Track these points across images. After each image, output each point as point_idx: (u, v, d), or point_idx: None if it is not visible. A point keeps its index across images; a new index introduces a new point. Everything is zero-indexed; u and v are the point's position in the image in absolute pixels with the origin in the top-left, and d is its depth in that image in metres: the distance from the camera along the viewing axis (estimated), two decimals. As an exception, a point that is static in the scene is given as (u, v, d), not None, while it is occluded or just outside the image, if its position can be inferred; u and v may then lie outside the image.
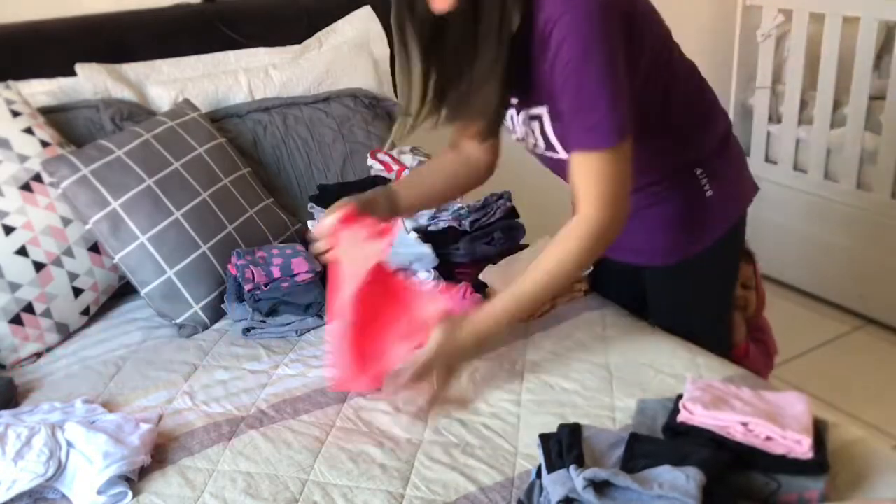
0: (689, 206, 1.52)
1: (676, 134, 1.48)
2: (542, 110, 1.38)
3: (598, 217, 1.32)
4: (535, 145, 1.47)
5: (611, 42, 1.25)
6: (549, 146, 1.43)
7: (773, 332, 1.89)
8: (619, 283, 1.75)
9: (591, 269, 1.74)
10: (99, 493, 1.20)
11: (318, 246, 1.47)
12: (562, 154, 1.42)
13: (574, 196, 1.34)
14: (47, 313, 1.70)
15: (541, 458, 1.13)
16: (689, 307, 1.63)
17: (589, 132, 1.29)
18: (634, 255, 1.61)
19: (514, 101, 1.42)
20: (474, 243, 1.90)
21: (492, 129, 1.43)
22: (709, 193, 1.51)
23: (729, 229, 1.56)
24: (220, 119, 2.14)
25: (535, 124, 1.42)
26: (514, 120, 1.46)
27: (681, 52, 1.46)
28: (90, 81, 2.05)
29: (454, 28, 1.30)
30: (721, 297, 1.65)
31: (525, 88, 1.37)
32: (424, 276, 1.77)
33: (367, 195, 1.51)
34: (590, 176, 1.31)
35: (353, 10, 2.47)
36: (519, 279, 1.38)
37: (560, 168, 1.44)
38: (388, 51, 2.49)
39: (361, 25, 2.46)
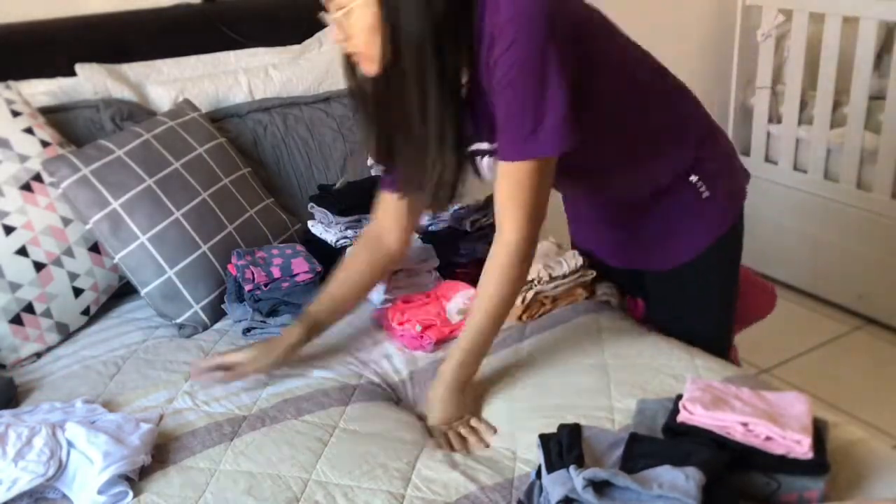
0: (688, 210, 1.51)
1: (660, 138, 1.47)
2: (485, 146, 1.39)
3: (519, 240, 1.34)
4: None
5: (551, 61, 1.22)
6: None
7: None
8: (619, 285, 1.76)
9: (594, 274, 1.75)
10: (99, 492, 1.20)
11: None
12: None
13: (497, 220, 1.36)
14: (47, 313, 1.70)
15: (541, 459, 1.13)
16: (693, 308, 1.62)
17: (514, 143, 1.29)
18: (637, 261, 1.61)
19: (486, 146, 1.41)
20: (475, 244, 1.90)
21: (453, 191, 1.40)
22: (706, 195, 1.51)
23: (729, 227, 1.56)
24: (220, 119, 2.14)
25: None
26: (482, 162, 1.44)
27: (644, 55, 1.45)
28: (90, 81, 2.05)
29: (393, 88, 1.30)
30: (724, 296, 1.65)
31: (486, 122, 1.36)
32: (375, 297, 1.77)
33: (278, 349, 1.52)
34: (512, 189, 1.32)
35: (354, 10, 2.46)
36: (469, 318, 1.43)
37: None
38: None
39: (361, 25, 2.46)
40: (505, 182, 1.33)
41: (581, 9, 1.32)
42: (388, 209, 1.55)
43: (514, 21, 1.21)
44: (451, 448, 1.34)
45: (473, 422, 1.40)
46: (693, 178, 1.50)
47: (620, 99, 1.38)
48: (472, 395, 1.46)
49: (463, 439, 1.36)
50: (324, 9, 1.31)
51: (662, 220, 1.54)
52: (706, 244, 1.54)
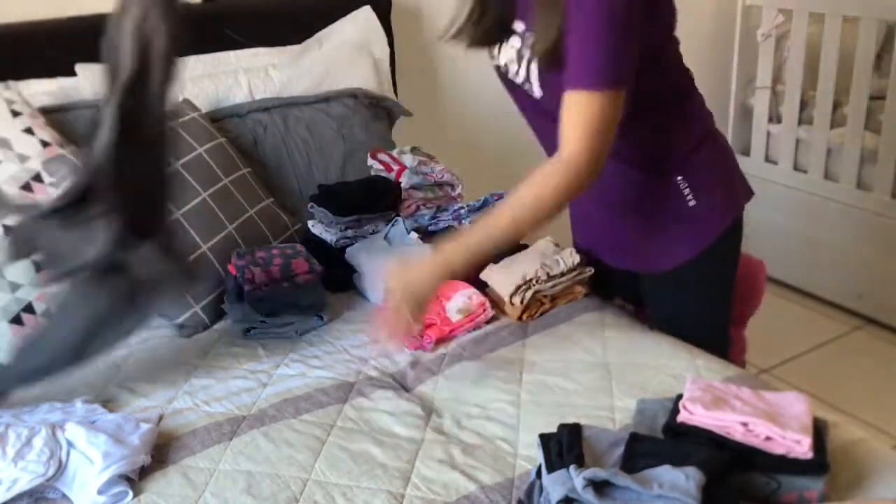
0: (673, 215, 1.52)
1: (657, 122, 1.48)
2: (521, 26, 1.40)
3: (580, 156, 1.31)
4: (517, 73, 1.46)
5: (633, 13, 1.27)
6: (527, 78, 1.43)
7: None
8: (619, 286, 1.76)
9: (592, 271, 1.75)
10: (99, 492, 1.20)
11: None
12: (535, 92, 1.42)
13: (560, 136, 1.33)
14: (48, 313, 1.70)
15: (541, 458, 1.13)
16: (686, 313, 1.62)
17: (587, 71, 1.29)
18: (626, 258, 1.62)
19: (521, 27, 1.42)
20: (474, 243, 1.89)
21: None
22: (691, 203, 1.50)
23: (718, 237, 1.55)
24: (220, 119, 2.14)
25: (517, 43, 1.43)
26: (503, 46, 1.47)
27: (677, 51, 1.47)
28: (90, 81, 2.05)
29: None
30: (717, 304, 1.65)
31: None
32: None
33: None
34: (579, 115, 1.31)
35: (353, 10, 2.47)
36: (495, 212, 1.38)
37: (536, 113, 1.47)
38: (388, 51, 2.49)
39: (361, 25, 2.46)
40: (567, 109, 1.32)
41: None
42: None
43: None
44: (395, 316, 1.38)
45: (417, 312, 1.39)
46: (678, 178, 1.50)
47: (655, 88, 1.41)
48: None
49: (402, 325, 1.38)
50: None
51: (651, 222, 1.54)
52: (693, 252, 1.54)
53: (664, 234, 1.55)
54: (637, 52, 1.31)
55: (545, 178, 1.33)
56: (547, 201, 1.34)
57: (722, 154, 1.58)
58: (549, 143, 1.43)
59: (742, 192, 1.61)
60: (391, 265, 1.43)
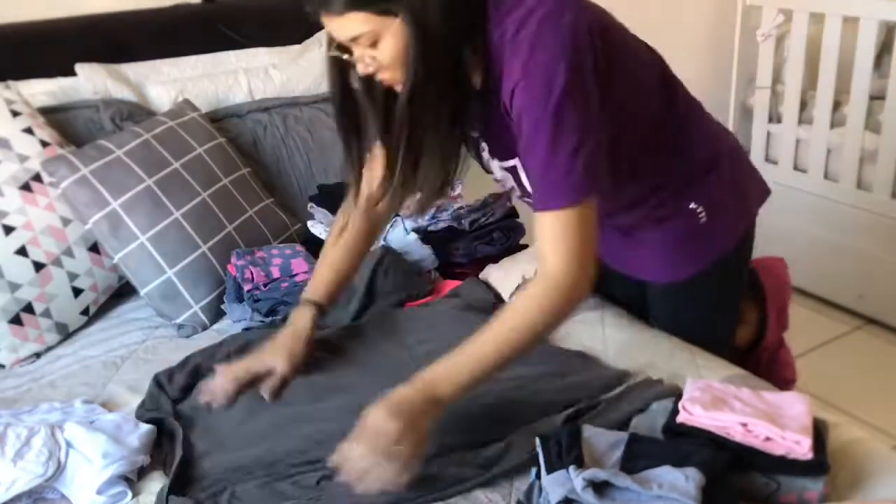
0: (685, 233, 1.49)
1: (659, 163, 1.43)
2: (515, 162, 1.34)
3: (567, 271, 1.20)
4: (513, 189, 1.44)
5: (577, 91, 1.16)
6: (526, 194, 1.37)
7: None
8: (619, 288, 1.75)
9: None
10: (98, 493, 1.20)
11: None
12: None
13: (539, 257, 1.23)
14: (47, 313, 1.70)
15: (540, 459, 1.13)
16: (694, 322, 1.61)
17: (554, 193, 1.20)
18: (636, 271, 1.60)
19: (484, 147, 1.38)
20: (474, 243, 1.90)
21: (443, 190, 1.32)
22: (703, 221, 1.47)
23: (729, 250, 1.53)
24: (220, 119, 2.14)
25: (510, 175, 1.39)
26: (492, 163, 1.41)
27: (667, 87, 1.40)
28: (90, 81, 2.05)
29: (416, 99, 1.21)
30: (726, 312, 1.64)
31: (499, 141, 1.32)
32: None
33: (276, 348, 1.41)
34: (555, 233, 1.20)
35: (353, 10, 2.46)
36: (481, 336, 1.21)
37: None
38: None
39: (361, 25, 2.46)
40: (541, 230, 1.23)
41: (602, 20, 1.26)
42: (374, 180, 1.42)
43: (535, 69, 1.15)
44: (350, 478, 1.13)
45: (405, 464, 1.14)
46: (690, 205, 1.46)
47: (638, 120, 1.34)
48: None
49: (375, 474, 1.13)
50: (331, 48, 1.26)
51: (657, 234, 1.52)
52: (704, 265, 1.52)
53: (675, 249, 1.52)
54: (604, 143, 1.20)
55: (536, 300, 1.21)
56: (538, 325, 1.21)
57: (735, 166, 1.52)
58: None
59: (755, 197, 1.58)
60: (360, 425, 1.15)
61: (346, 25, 1.17)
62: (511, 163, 1.35)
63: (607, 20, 1.28)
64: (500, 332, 1.21)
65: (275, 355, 1.41)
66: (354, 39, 1.19)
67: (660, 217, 1.49)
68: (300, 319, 1.45)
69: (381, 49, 1.19)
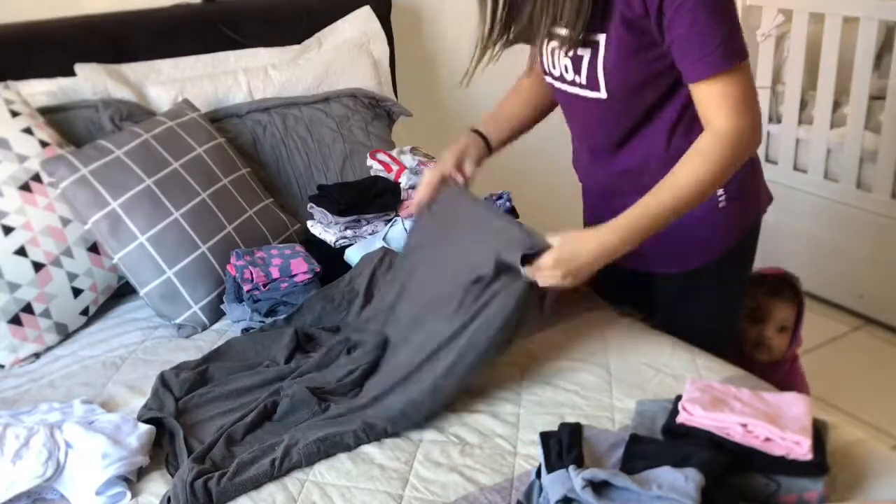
0: (702, 215, 1.50)
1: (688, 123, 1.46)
2: (601, 38, 1.37)
3: (736, 124, 1.31)
4: (573, 82, 1.45)
5: None
6: (592, 81, 1.41)
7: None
8: (620, 288, 1.75)
9: None
10: (97, 493, 1.20)
11: (421, 194, 1.58)
12: (600, 93, 1.41)
13: (704, 121, 1.34)
14: (46, 313, 1.70)
15: (541, 457, 1.13)
16: (701, 313, 1.61)
17: (714, 56, 1.29)
18: (647, 260, 1.60)
19: (563, 32, 1.39)
20: (474, 243, 1.89)
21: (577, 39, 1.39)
22: (722, 205, 1.50)
23: (742, 237, 1.55)
24: (219, 119, 2.14)
25: (586, 53, 1.40)
26: (555, 54, 1.45)
27: None
28: (90, 81, 2.05)
29: None
30: (732, 303, 1.64)
31: (580, 13, 1.36)
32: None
33: (458, 147, 1.59)
34: (722, 98, 1.31)
35: (353, 10, 2.47)
36: (653, 191, 1.34)
37: (586, 112, 1.47)
38: (387, 51, 2.49)
39: (361, 25, 2.46)
40: (703, 99, 1.33)
41: None
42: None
43: None
44: (540, 290, 1.37)
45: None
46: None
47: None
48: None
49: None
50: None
51: (679, 222, 1.53)
52: (716, 253, 1.54)
53: (691, 234, 1.53)
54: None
55: (705, 155, 1.32)
56: (707, 177, 1.33)
57: (755, 162, 1.56)
58: (608, 137, 1.48)
59: (765, 197, 1.61)
60: (560, 238, 1.36)
61: None
62: (595, 37, 1.37)
63: None
64: (674, 190, 1.33)
65: (460, 156, 1.59)
66: None
67: None
68: (472, 138, 1.62)
69: None
